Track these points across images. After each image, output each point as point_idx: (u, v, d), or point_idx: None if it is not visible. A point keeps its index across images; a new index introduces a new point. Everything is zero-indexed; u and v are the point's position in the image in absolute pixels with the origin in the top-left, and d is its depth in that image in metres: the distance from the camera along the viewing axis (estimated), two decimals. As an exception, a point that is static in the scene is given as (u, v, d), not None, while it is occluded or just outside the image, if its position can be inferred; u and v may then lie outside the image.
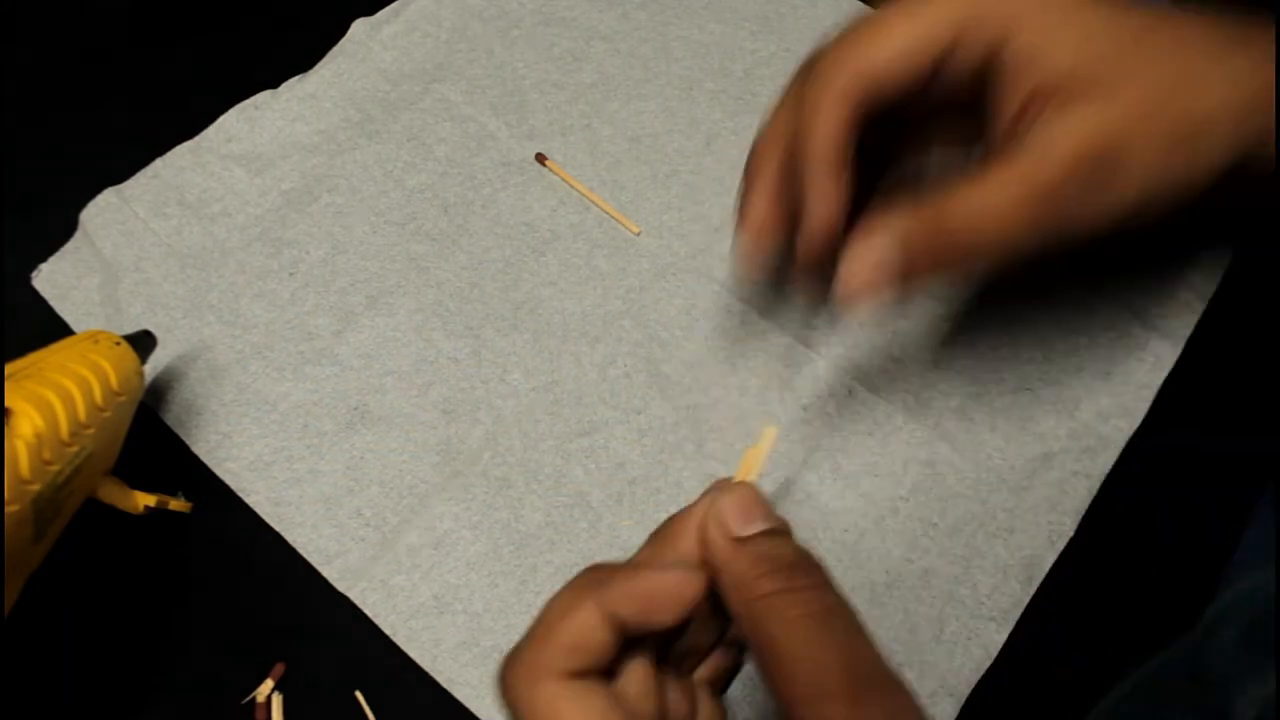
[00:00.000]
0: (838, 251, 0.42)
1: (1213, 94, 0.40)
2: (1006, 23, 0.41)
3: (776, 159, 0.46)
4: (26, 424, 0.40)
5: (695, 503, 0.37)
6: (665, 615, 0.34)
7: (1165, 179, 0.40)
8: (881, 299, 0.41)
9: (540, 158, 0.61)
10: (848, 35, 0.43)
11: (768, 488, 0.52)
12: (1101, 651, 0.49)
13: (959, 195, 0.41)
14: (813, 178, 0.44)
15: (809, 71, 0.44)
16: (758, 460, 0.40)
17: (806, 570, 0.35)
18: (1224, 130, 0.40)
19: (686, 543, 0.36)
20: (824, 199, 0.44)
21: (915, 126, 0.48)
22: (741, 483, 0.37)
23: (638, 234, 0.59)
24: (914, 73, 0.42)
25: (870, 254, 0.41)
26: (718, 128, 0.63)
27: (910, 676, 0.47)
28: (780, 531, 0.36)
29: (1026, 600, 0.49)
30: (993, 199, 0.40)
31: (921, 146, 0.49)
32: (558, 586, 0.49)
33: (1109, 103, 0.39)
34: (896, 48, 0.42)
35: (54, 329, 0.56)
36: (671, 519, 0.38)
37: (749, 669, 0.43)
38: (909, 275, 0.41)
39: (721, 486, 0.37)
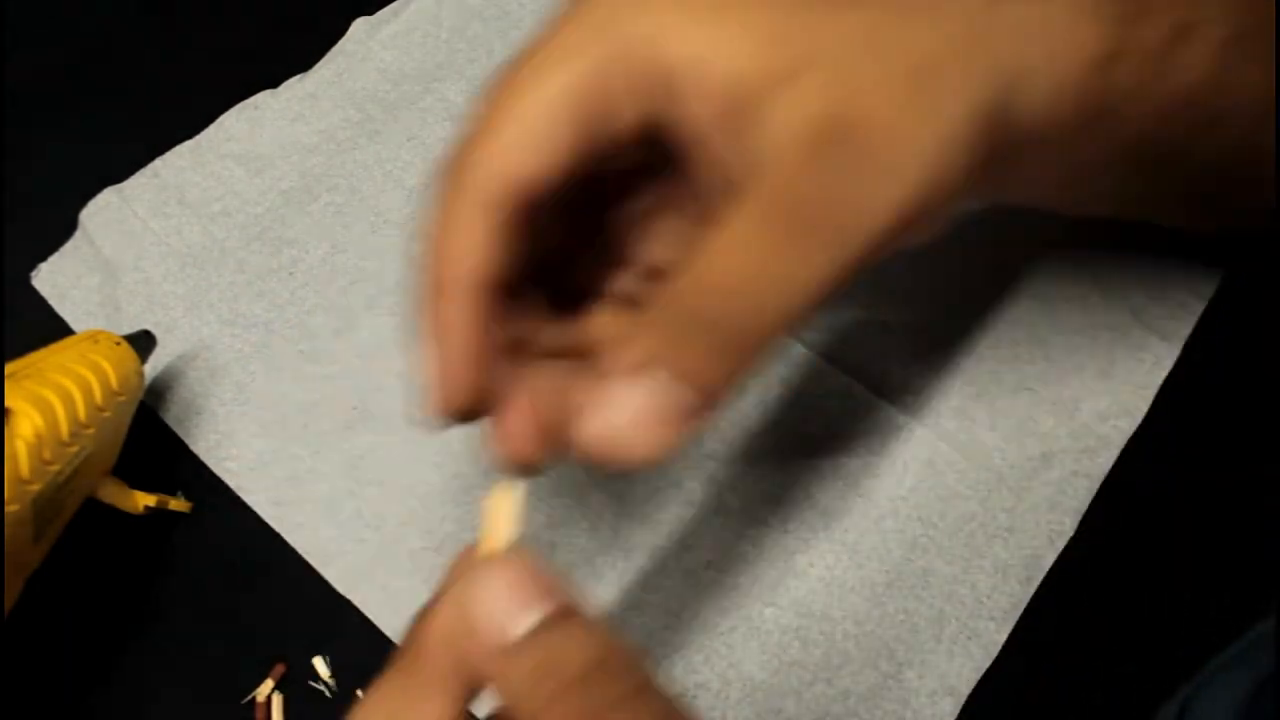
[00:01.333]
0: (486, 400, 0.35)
1: (923, 35, 0.31)
2: (653, 53, 0.31)
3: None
4: (26, 424, 0.40)
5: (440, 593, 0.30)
6: None
7: (922, 138, 0.30)
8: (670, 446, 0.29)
9: (540, 158, 0.61)
10: (478, 125, 0.33)
11: (764, 489, 0.52)
12: (1102, 650, 0.49)
13: (697, 268, 0.30)
14: (446, 311, 0.35)
15: (449, 180, 0.35)
16: (506, 515, 0.31)
17: (605, 679, 0.27)
18: (954, 71, 0.31)
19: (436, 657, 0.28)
20: (457, 336, 0.35)
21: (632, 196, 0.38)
22: (497, 560, 0.29)
23: (638, 234, 0.59)
24: (569, 157, 0.33)
25: (632, 404, 0.29)
26: (718, 128, 0.63)
27: (911, 676, 0.47)
28: (564, 616, 0.28)
29: (1026, 600, 0.49)
30: (739, 247, 0.30)
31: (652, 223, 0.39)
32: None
33: (804, 83, 0.30)
34: (532, 136, 0.32)
35: (53, 328, 0.56)
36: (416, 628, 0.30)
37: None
38: (703, 408, 0.30)
39: (468, 566, 0.30)
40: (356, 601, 0.49)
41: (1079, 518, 0.52)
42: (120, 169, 0.61)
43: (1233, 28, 0.34)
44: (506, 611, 0.27)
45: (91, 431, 0.43)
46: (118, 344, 0.47)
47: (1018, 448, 0.53)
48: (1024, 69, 0.31)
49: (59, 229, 0.59)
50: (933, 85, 0.30)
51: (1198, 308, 0.57)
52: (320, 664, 0.48)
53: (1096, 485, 0.52)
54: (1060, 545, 0.51)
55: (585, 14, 0.32)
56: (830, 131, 0.30)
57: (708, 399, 0.29)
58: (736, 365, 0.30)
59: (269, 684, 0.47)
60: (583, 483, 0.52)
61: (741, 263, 0.29)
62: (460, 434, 0.53)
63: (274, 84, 0.64)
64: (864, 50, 0.30)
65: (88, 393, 0.43)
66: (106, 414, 0.44)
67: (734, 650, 0.48)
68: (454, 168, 0.34)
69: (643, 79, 0.32)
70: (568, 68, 0.32)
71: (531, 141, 0.32)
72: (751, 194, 0.30)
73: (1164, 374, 0.55)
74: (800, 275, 0.29)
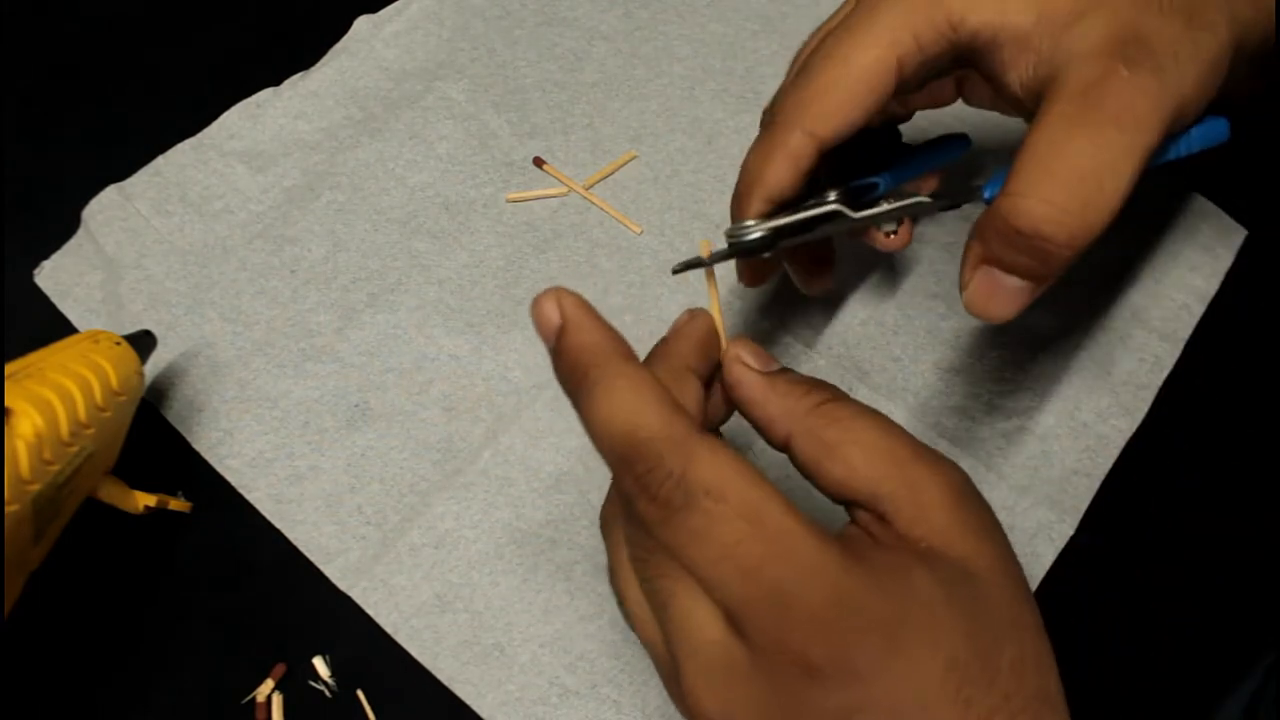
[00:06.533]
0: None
1: None
2: (950, 18, 0.41)
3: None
4: (27, 424, 0.40)
5: (669, 344, 0.39)
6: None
7: (1192, 46, 0.39)
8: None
9: (538, 161, 0.61)
10: (801, 82, 0.43)
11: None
12: (1102, 650, 0.49)
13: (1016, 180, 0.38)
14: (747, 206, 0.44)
15: (777, 121, 0.43)
16: (717, 313, 0.40)
17: (829, 386, 0.38)
18: (1212, 10, 0.40)
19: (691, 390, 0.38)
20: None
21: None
22: (740, 338, 0.39)
23: (639, 234, 0.59)
24: (877, 104, 0.42)
25: (980, 286, 0.41)
26: (719, 126, 0.63)
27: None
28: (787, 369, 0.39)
29: (1026, 600, 0.49)
30: (1052, 141, 0.38)
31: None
32: (559, 585, 0.50)
33: (1092, 18, 0.39)
34: (851, 92, 0.41)
35: (56, 326, 0.56)
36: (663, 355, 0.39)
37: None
38: (1045, 274, 0.40)
39: (696, 324, 0.40)
40: (356, 597, 0.50)
41: (1079, 517, 0.52)
42: (122, 167, 0.61)
43: None
44: (762, 358, 0.38)
45: (92, 431, 0.43)
46: (118, 344, 0.47)
47: (1018, 447, 0.53)
48: (1247, 17, 0.41)
49: (62, 227, 0.59)
50: (1199, 20, 0.39)
51: (1198, 309, 0.57)
52: (320, 664, 0.48)
53: (1096, 485, 0.52)
54: (1060, 545, 0.51)
55: None
56: (1124, 39, 0.38)
57: (1036, 284, 0.40)
58: (1055, 264, 0.39)
59: (269, 684, 0.47)
60: (583, 480, 0.52)
61: (1052, 154, 0.37)
62: (460, 433, 0.53)
63: (276, 82, 0.64)
64: None
65: (88, 393, 0.43)
66: (107, 414, 0.44)
67: (733, 650, 0.48)
68: (778, 114, 0.43)
69: (951, 33, 0.41)
70: (888, 37, 0.41)
71: (842, 108, 0.41)
72: (1058, 95, 0.38)
73: (1164, 374, 0.55)
74: (1103, 158, 0.37)
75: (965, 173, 0.61)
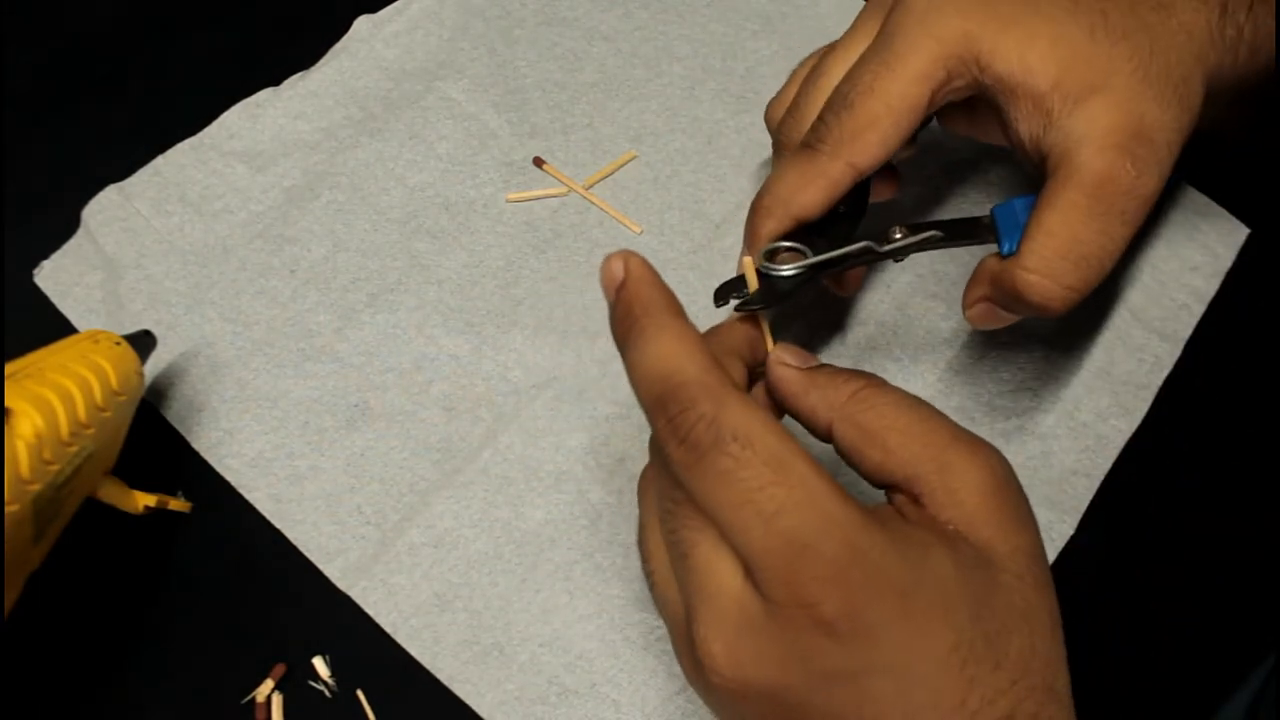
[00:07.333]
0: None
1: (1173, 59, 0.44)
2: (979, 59, 0.45)
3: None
4: (27, 424, 0.40)
5: (722, 330, 0.43)
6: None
7: (1179, 131, 0.44)
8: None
9: (538, 161, 0.61)
10: (845, 116, 0.46)
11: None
12: (1102, 650, 0.49)
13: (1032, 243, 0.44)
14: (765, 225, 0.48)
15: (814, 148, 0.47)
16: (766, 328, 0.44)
17: (868, 375, 0.39)
18: (1197, 68, 0.45)
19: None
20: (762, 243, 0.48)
21: None
22: (782, 342, 0.42)
23: (639, 233, 0.59)
24: (911, 134, 0.47)
25: (976, 309, 0.47)
26: (719, 126, 0.63)
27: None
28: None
29: (1026, 600, 0.49)
30: (1064, 223, 0.43)
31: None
32: (558, 584, 0.50)
33: (1098, 101, 0.43)
34: (895, 125, 0.45)
35: (55, 326, 0.56)
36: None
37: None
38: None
39: (746, 324, 0.43)
40: (356, 597, 0.50)
41: (1079, 517, 0.52)
42: (122, 167, 0.61)
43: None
44: (801, 356, 0.41)
45: (92, 431, 0.43)
46: (118, 344, 0.47)
47: (1018, 447, 0.53)
48: (1220, 65, 0.46)
49: (61, 227, 0.59)
50: (1186, 92, 0.44)
51: (1199, 309, 0.57)
52: (320, 664, 0.48)
53: (1096, 485, 0.52)
54: (1060, 545, 0.51)
55: (908, 14, 0.46)
56: (1130, 132, 0.43)
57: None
58: (1040, 315, 0.44)
59: (269, 684, 0.47)
60: (583, 480, 0.52)
61: (1063, 238, 0.43)
62: (460, 432, 0.53)
63: (276, 82, 0.64)
64: (1139, 77, 0.43)
65: (88, 393, 0.43)
66: (107, 414, 0.44)
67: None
68: (822, 145, 0.46)
69: (971, 80, 0.45)
70: (911, 65, 0.45)
71: (885, 142, 0.45)
72: (1071, 181, 0.43)
73: (1164, 374, 0.55)
74: (1107, 247, 0.43)
75: (963, 195, 0.61)
